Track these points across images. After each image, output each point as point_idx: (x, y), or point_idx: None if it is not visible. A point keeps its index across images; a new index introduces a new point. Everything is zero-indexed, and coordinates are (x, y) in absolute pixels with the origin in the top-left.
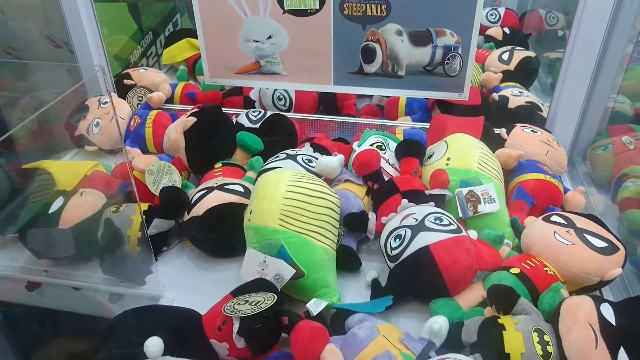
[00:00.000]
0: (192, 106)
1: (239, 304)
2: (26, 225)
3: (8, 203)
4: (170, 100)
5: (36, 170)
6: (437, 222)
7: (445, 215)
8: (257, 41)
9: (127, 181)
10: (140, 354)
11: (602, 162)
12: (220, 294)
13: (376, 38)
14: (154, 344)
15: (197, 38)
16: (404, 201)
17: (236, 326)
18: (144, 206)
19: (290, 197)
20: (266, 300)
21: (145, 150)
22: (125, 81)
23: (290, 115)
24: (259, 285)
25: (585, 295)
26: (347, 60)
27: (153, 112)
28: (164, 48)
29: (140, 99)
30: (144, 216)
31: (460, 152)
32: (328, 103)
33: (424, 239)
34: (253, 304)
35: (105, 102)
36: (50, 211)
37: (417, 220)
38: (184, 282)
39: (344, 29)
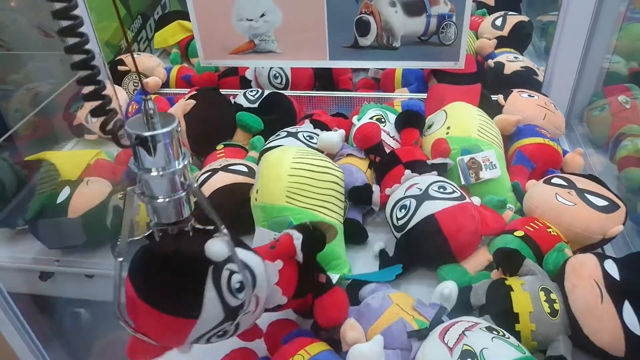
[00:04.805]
0: (189, 89)
1: None
2: (36, 217)
3: (16, 196)
4: (165, 84)
5: (40, 162)
6: (441, 190)
7: (448, 183)
8: (251, 20)
9: None
10: None
11: (599, 122)
12: None
13: (370, 10)
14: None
15: (188, 20)
16: (407, 172)
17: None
18: None
19: (296, 174)
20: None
21: None
22: (120, 67)
23: (287, 93)
24: None
25: (589, 253)
26: (342, 34)
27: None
28: (154, 32)
29: (136, 84)
30: None
31: (459, 121)
32: (324, 79)
33: (429, 208)
34: None
35: None
36: (58, 201)
37: (421, 189)
38: None
39: (338, 3)
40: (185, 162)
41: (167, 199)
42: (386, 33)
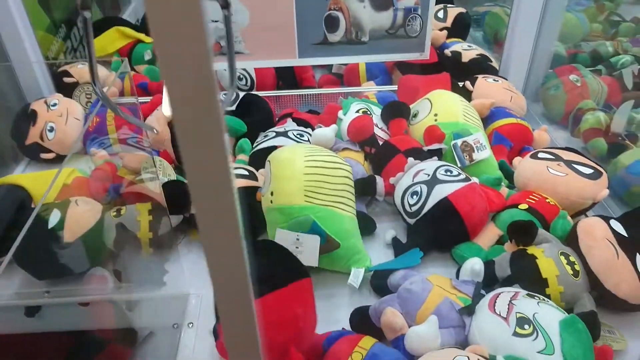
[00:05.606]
0: (148, 97)
1: None
2: (25, 247)
3: None
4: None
5: (5, 187)
6: (448, 174)
7: (452, 166)
8: (216, 21)
9: (117, 182)
10: None
11: (555, 100)
12: None
13: (339, 6)
14: None
15: (125, 26)
16: (410, 159)
17: None
18: (148, 205)
19: (311, 172)
20: None
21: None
22: (66, 79)
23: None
24: None
25: (594, 216)
26: (311, 31)
27: None
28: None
29: (88, 96)
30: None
31: (445, 107)
32: (287, 78)
33: (441, 191)
34: None
35: (54, 104)
36: (50, 226)
37: (428, 175)
38: (206, 274)
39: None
40: None
41: None
42: (355, 28)
